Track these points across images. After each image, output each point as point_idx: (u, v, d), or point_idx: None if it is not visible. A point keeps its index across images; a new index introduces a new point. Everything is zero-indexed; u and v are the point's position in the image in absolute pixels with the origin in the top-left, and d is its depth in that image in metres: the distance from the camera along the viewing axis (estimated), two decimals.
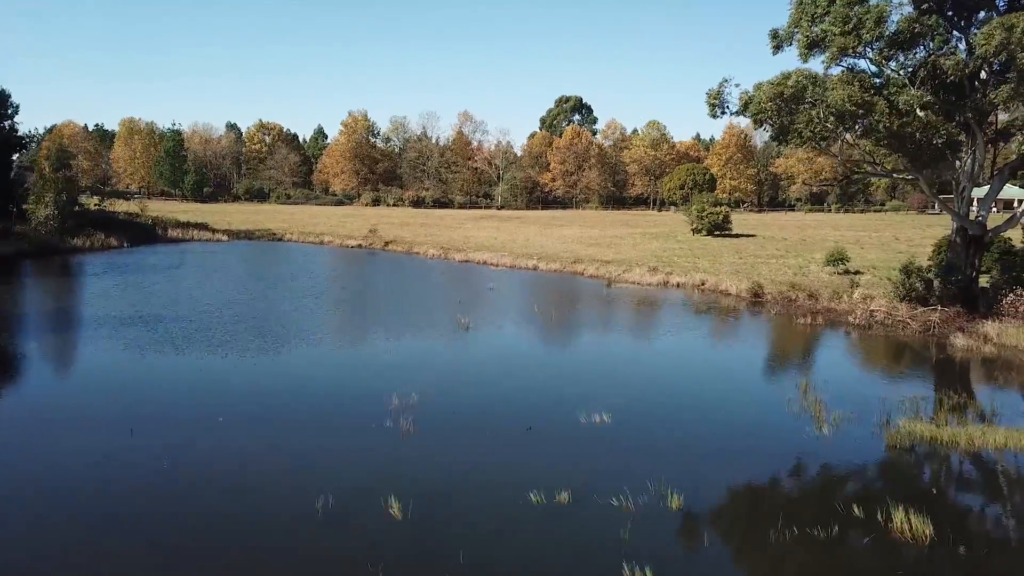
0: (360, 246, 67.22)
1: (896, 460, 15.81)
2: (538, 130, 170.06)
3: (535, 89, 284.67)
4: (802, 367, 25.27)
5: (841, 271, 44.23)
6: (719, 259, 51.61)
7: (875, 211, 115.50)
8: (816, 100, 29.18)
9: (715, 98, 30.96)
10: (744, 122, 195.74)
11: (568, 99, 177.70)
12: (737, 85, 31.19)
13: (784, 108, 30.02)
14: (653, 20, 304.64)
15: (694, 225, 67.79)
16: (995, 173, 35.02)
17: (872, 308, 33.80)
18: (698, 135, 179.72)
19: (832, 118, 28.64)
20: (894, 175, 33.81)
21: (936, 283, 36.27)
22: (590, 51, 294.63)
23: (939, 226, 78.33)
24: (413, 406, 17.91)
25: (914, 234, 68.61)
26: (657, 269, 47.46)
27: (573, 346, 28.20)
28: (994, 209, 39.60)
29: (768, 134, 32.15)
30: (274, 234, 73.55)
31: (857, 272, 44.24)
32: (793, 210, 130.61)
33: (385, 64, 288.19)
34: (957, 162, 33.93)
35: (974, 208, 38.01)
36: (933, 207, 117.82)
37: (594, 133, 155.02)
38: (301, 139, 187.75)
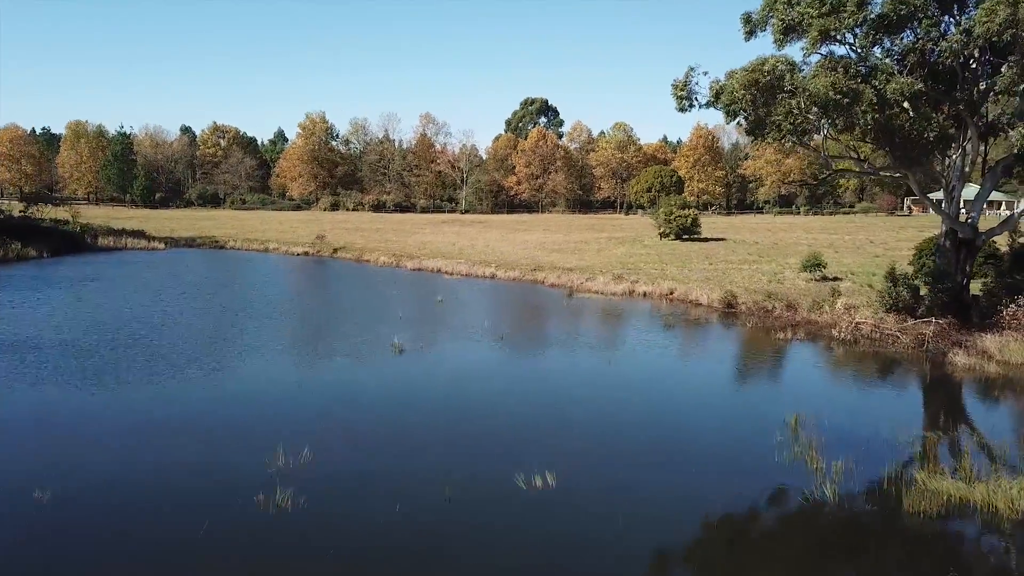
0: (307, 253, 62.77)
1: (926, 537, 12.20)
2: (504, 132, 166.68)
3: (501, 91, 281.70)
4: (788, 395, 21.76)
5: (819, 277, 41.12)
6: (688, 265, 48.30)
7: (844, 213, 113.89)
8: (796, 89, 25.81)
9: (682, 89, 27.45)
10: (712, 123, 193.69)
11: (534, 101, 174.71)
12: (706, 73, 27.76)
13: (760, 98, 26.60)
14: (620, 21, 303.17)
15: (662, 229, 64.60)
16: (986, 172, 32.09)
17: (857, 320, 30.54)
18: (665, 137, 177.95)
19: (815, 108, 25.27)
20: (881, 173, 30.57)
21: (924, 291, 33.34)
22: (557, 53, 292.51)
23: (912, 228, 76.30)
24: (302, 466, 13.91)
25: (888, 236, 66.23)
26: (622, 277, 43.92)
27: (522, 375, 24.17)
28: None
29: (742, 128, 28.43)
30: (216, 241, 68.70)
31: (836, 278, 41.18)
32: (762, 212, 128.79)
33: (348, 66, 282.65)
34: (947, 159, 30.91)
35: (962, 209, 34.98)
36: (902, 208, 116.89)
37: (560, 136, 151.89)
38: (260, 143, 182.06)
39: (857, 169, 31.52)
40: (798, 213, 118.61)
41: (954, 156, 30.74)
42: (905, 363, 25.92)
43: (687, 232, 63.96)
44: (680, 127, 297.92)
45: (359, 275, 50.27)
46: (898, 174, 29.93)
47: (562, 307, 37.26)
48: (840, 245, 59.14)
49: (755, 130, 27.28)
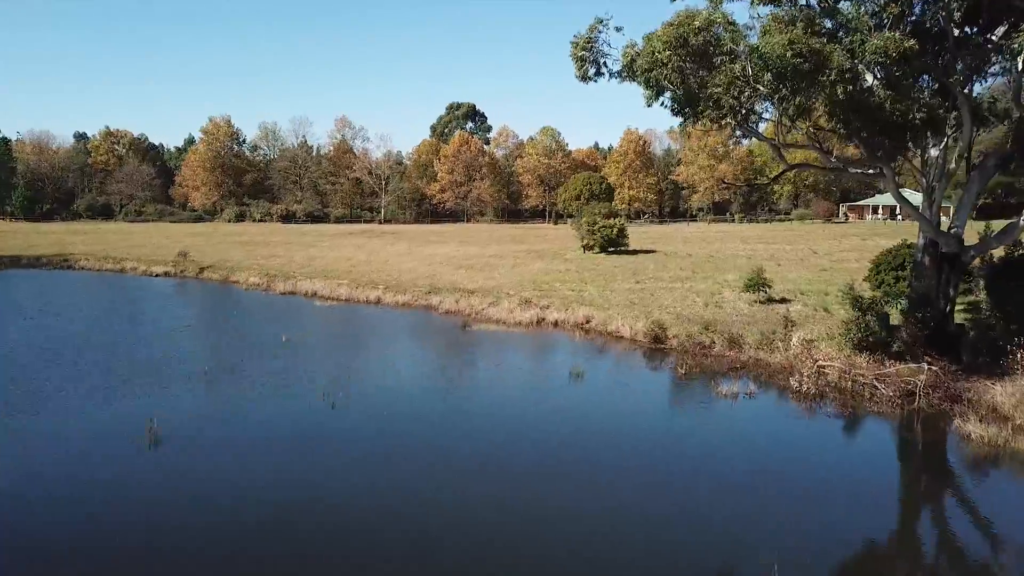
0: (167, 274, 52.88)
1: None
2: (428, 138, 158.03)
3: (428, 96, 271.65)
4: (753, 526, 14.02)
5: (764, 299, 34.11)
6: (612, 284, 40.83)
7: (780, 220, 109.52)
8: (741, 52, 18.41)
9: (585, 48, 19.69)
10: (643, 127, 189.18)
11: (460, 106, 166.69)
12: (619, 29, 20.11)
13: (691, 64, 19.09)
14: (551, 24, 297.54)
15: (585, 241, 57.19)
16: (972, 168, 25.56)
17: (820, 362, 23.31)
18: (597, 144, 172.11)
19: (767, 77, 17.83)
20: (851, 168, 23.37)
21: (896, 317, 26.53)
22: (485, 57, 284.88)
23: (853, 236, 71.24)
24: None
25: (831, 247, 60.44)
26: (531, 302, 36.05)
27: (343, 487, 15.80)
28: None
29: (667, 108, 20.70)
30: (66, 260, 58.05)
31: (784, 300, 34.26)
32: (695, 220, 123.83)
33: (266, 70, 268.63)
34: (926, 153, 24.09)
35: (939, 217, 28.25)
36: (838, 215, 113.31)
37: (487, 142, 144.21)
38: (165, 150, 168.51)
39: (820, 164, 24.35)
40: (732, 221, 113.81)
41: (934, 148, 23.96)
42: (896, 436, 18.69)
43: (613, 244, 56.73)
44: (613, 134, 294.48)
45: (213, 300, 41.04)
46: (871, 170, 22.84)
47: (450, 344, 29.10)
48: (782, 257, 52.83)
49: (685, 108, 19.72)
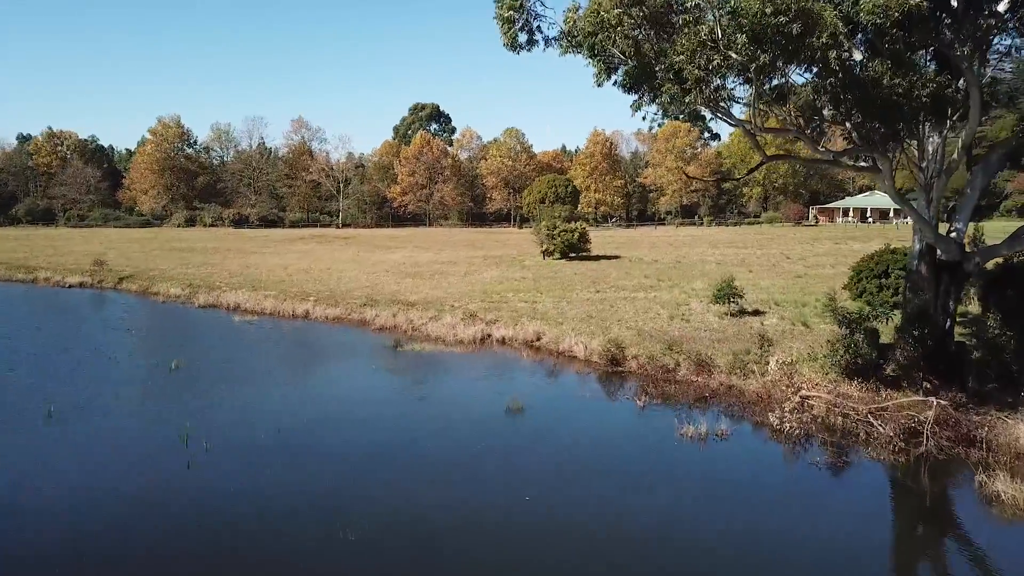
0: (82, 284, 47.78)
1: None
2: (391, 140, 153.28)
3: (392, 97, 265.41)
4: None
5: (735, 311, 30.48)
6: (569, 294, 36.97)
7: (749, 224, 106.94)
8: (708, 8, 14.58)
9: (513, 6, 15.69)
10: (610, 129, 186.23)
11: (424, 107, 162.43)
12: None
13: (646, 28, 15.23)
14: None
15: (544, 246, 53.33)
16: (974, 163, 22.12)
17: (804, 391, 19.60)
18: (564, 147, 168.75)
19: (743, 40, 13.99)
20: (841, 160, 19.59)
21: (886, 333, 23.02)
22: (449, 58, 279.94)
23: (825, 239, 68.42)
24: None
25: (804, 251, 57.37)
26: (477, 316, 32.01)
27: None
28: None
29: (619, 86, 16.70)
30: None
31: (757, 312, 30.67)
32: (664, 224, 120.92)
33: (224, 69, 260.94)
34: (931, 140, 20.54)
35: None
36: (808, 218, 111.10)
37: (451, 144, 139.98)
38: (115, 152, 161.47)
39: (803, 156, 20.59)
40: (701, 224, 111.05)
41: (933, 138, 20.43)
42: (902, 496, 14.98)
43: (574, 250, 52.98)
44: (581, 137, 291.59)
45: (110, 317, 36.24)
46: (863, 163, 19.16)
47: (367, 374, 24.87)
48: (753, 262, 49.50)
49: (639, 83, 15.83)
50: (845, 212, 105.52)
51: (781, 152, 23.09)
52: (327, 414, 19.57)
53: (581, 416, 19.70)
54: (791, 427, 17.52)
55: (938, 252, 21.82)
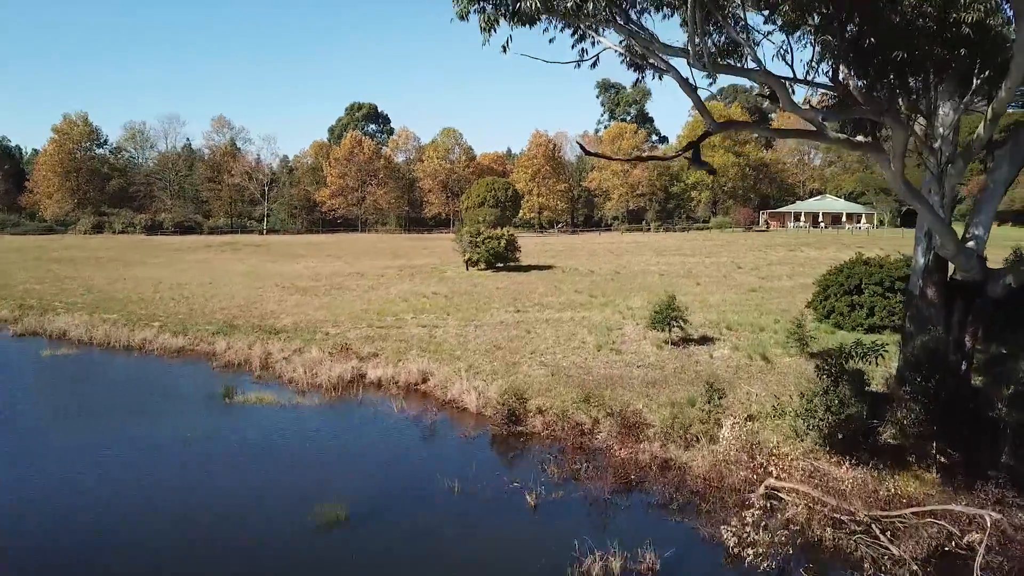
0: None
1: None
2: (320, 140, 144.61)
3: (328, 97, 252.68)
4: None
5: (677, 338, 24.20)
6: (482, 314, 30.32)
7: (698, 229, 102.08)
8: None
9: None
10: (552, 130, 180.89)
11: (360, 106, 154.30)
12: None
13: None
14: (461, 27, 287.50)
15: (467, 255, 46.59)
16: (995, 145, 16.33)
17: (776, 479, 13.24)
18: (509, 150, 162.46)
19: None
20: (829, 133, 13.03)
21: (888, 386, 17.03)
22: (389, 56, 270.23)
23: (779, 246, 63.24)
24: None
25: (756, 259, 51.89)
26: (351, 348, 25.04)
27: None
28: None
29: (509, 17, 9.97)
30: None
31: (705, 339, 24.46)
32: (610, 229, 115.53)
33: (142, 67, 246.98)
34: (946, 108, 14.43)
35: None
36: (758, 223, 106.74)
37: (383, 145, 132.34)
38: (23, 152, 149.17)
39: (776, 127, 14.25)
40: (648, 230, 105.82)
41: (947, 107, 14.36)
42: None
43: (501, 259, 46.38)
44: (524, 140, 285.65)
45: None
46: (865, 136, 12.85)
47: (146, 452, 17.62)
48: (701, 273, 43.63)
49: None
50: (796, 217, 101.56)
51: (740, 120, 16.72)
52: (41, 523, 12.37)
53: (435, 528, 12.80)
54: (757, 551, 11.02)
55: (950, 269, 15.87)
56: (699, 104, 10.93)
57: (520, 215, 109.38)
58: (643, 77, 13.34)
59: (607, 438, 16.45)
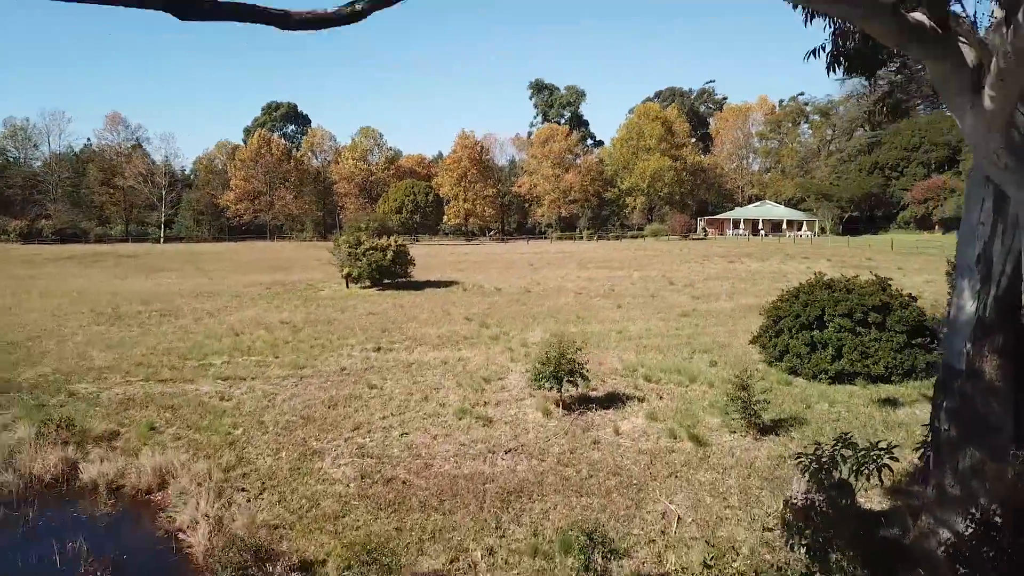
0: None
1: None
2: (242, 143, 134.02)
3: (243, 94, 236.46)
4: None
5: (574, 398, 16.68)
6: (326, 355, 22.30)
7: (632, 237, 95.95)
8: None
9: None
10: (480, 132, 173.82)
11: (278, 106, 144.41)
12: None
13: None
14: (398, 21, 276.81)
15: (346, 269, 38.37)
16: None
17: None
18: (440, 153, 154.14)
19: None
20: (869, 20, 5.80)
21: (924, 540, 9.55)
22: (308, 54, 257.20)
23: (717, 257, 56.77)
24: None
25: (691, 272, 45.21)
26: (72, 426, 16.62)
27: None
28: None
29: None
30: None
31: (612, 399, 16.96)
32: (544, 237, 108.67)
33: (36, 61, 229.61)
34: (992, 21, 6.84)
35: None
36: (695, 231, 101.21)
37: (298, 146, 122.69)
38: None
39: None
40: (580, 238, 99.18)
41: (999, 12, 6.89)
42: None
43: (388, 274, 38.35)
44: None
45: None
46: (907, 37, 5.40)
47: None
48: (625, 291, 36.49)
49: None
50: (736, 224, 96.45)
51: None
52: None
53: None
54: None
55: None
56: None
57: (445, 221, 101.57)
58: None
59: None
